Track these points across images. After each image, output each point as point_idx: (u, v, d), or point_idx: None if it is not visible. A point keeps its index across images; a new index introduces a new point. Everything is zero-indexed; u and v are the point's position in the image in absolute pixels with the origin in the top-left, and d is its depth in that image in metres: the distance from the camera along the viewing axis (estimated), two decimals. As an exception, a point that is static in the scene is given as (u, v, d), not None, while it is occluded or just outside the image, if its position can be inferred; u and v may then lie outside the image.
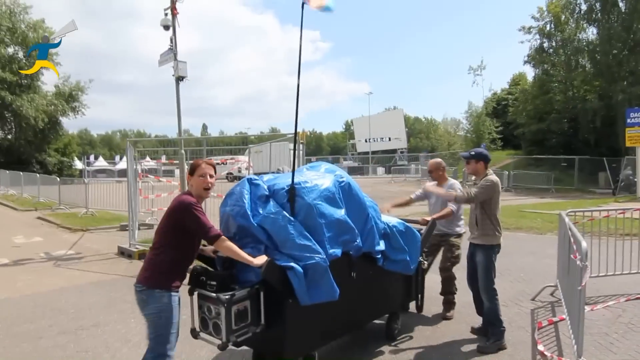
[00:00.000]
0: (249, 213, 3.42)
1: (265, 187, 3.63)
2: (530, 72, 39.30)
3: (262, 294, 3.24)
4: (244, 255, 3.09)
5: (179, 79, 9.83)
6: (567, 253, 4.66)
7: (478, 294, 4.67)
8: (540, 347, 4.14)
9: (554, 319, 5.05)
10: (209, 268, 3.52)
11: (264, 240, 3.37)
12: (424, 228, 4.92)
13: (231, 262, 3.28)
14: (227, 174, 18.87)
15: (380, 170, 52.87)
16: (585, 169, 28.20)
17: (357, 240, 3.82)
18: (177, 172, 12.83)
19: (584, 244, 3.75)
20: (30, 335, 4.91)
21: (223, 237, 3.03)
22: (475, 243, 4.60)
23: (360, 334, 4.72)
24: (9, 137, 39.22)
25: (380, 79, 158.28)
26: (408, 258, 4.35)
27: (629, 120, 21.08)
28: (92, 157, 57.31)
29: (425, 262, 5.01)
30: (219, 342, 3.12)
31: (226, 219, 3.58)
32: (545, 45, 34.89)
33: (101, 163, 54.51)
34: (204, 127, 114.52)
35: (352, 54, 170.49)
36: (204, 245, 3.39)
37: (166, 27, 9.93)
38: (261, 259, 3.16)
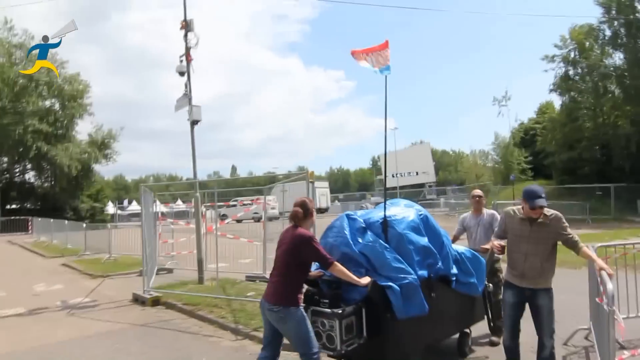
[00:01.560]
0: (351, 242, 4.27)
1: (362, 220, 4.44)
2: (557, 100, 38.60)
3: (364, 310, 3.95)
4: (353, 277, 3.82)
5: (194, 122, 9.92)
6: (596, 294, 4.22)
7: (517, 345, 4.30)
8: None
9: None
10: (320, 289, 4.16)
11: (365, 264, 4.11)
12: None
13: (338, 283, 3.99)
14: (254, 213, 18.82)
15: (409, 205, 52.06)
16: (622, 197, 26.97)
17: (439, 264, 4.48)
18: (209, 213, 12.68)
19: (609, 285, 3.35)
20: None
21: (336, 262, 3.80)
22: (537, 288, 4.09)
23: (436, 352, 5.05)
24: (45, 185, 40.73)
25: (406, 114, 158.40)
26: (476, 281, 4.87)
27: (665, 145, 20.18)
28: (125, 202, 58.71)
29: (490, 285, 5.35)
30: (331, 352, 3.91)
31: (329, 248, 4.27)
32: (571, 72, 34.34)
33: (135, 207, 55.65)
34: (233, 168, 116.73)
35: (376, 91, 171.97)
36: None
37: (181, 74, 10.12)
38: (366, 279, 3.90)
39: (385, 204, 4.48)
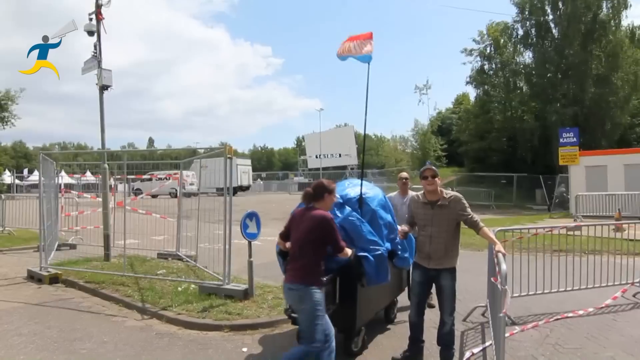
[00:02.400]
0: None
1: (339, 196, 4.60)
2: (472, 93, 40.88)
3: (338, 279, 4.25)
4: (347, 250, 3.89)
5: (104, 88, 9.15)
6: (492, 274, 4.50)
7: (421, 322, 4.41)
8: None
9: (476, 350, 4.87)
10: None
11: (343, 237, 4.12)
12: None
13: None
14: (171, 189, 17.95)
15: (331, 186, 52.94)
16: (523, 186, 29.34)
17: (398, 239, 4.84)
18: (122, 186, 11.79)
19: (503, 266, 3.56)
20: None
21: (346, 248, 3.89)
22: (440, 268, 4.22)
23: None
24: None
25: (332, 96, 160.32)
26: (408, 256, 5.19)
27: (561, 140, 22.16)
28: (25, 171, 53.71)
29: None
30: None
31: None
32: (486, 67, 36.44)
33: (36, 177, 51.23)
34: (151, 140, 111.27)
35: (303, 71, 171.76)
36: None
37: (90, 33, 9.25)
38: (349, 251, 3.94)
39: (362, 182, 4.88)
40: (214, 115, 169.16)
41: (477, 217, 4.24)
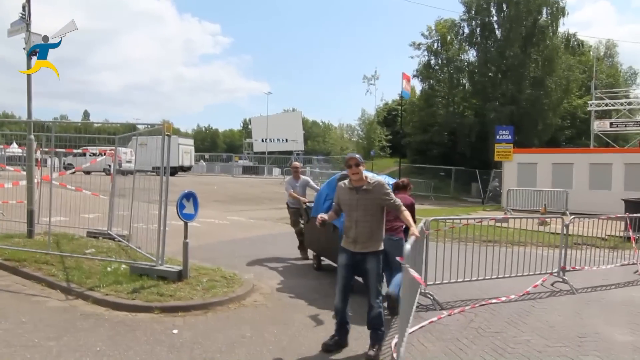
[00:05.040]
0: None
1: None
2: (418, 86, 41.97)
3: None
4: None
5: (32, 54, 8.48)
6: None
7: (345, 307, 4.43)
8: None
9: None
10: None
11: None
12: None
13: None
14: (107, 165, 16.99)
15: (276, 170, 52.62)
16: (460, 179, 30.65)
17: None
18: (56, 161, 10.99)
19: (408, 246, 3.77)
20: None
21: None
22: (365, 252, 4.30)
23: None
24: None
25: (281, 80, 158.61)
26: None
27: (497, 137, 23.25)
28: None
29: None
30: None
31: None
32: (432, 62, 37.44)
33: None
34: (86, 113, 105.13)
35: (252, 52, 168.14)
36: None
37: (19, -8, 8.53)
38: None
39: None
40: (157, 92, 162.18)
41: (399, 201, 4.43)
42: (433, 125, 36.35)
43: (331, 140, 59.35)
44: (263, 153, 59.76)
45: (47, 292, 5.91)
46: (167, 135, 6.47)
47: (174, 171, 36.83)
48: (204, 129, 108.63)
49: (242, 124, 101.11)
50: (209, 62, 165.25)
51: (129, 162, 17.11)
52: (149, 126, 8.22)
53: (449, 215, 14.17)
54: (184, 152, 38.41)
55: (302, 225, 8.47)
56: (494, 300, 6.14)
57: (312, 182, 8.94)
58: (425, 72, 37.02)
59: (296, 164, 8.73)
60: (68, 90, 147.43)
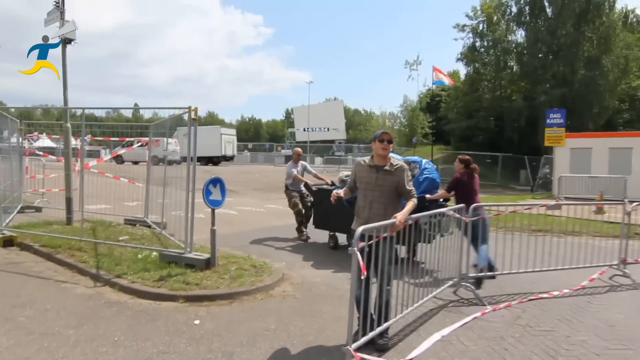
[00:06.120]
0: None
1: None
2: (462, 70, 40.36)
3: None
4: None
5: (66, 41, 8.52)
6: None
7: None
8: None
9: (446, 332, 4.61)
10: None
11: None
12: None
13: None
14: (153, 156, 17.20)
15: (319, 160, 52.49)
16: (508, 166, 29.26)
17: None
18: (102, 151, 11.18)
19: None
20: None
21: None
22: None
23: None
24: None
25: (322, 69, 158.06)
26: None
27: (548, 121, 21.89)
28: (5, 133, 52.19)
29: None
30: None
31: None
32: (478, 44, 35.80)
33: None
34: (136, 106, 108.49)
35: (294, 42, 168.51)
36: None
37: (54, -19, 8.57)
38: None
39: None
40: (202, 84, 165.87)
41: (414, 190, 4.17)
42: (478, 110, 34.81)
43: (372, 129, 58.49)
44: (305, 142, 59.75)
45: (77, 278, 5.88)
46: (193, 119, 6.27)
47: (217, 160, 37.37)
48: (247, 119, 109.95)
49: (284, 114, 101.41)
50: (252, 53, 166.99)
51: (175, 151, 17.29)
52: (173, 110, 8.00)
53: (496, 202, 13.41)
54: (227, 141, 38.84)
55: (300, 207, 8.85)
56: (544, 295, 5.58)
57: (309, 167, 9.54)
58: (470, 55, 35.41)
59: (298, 149, 9.53)
60: (120, 85, 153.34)
